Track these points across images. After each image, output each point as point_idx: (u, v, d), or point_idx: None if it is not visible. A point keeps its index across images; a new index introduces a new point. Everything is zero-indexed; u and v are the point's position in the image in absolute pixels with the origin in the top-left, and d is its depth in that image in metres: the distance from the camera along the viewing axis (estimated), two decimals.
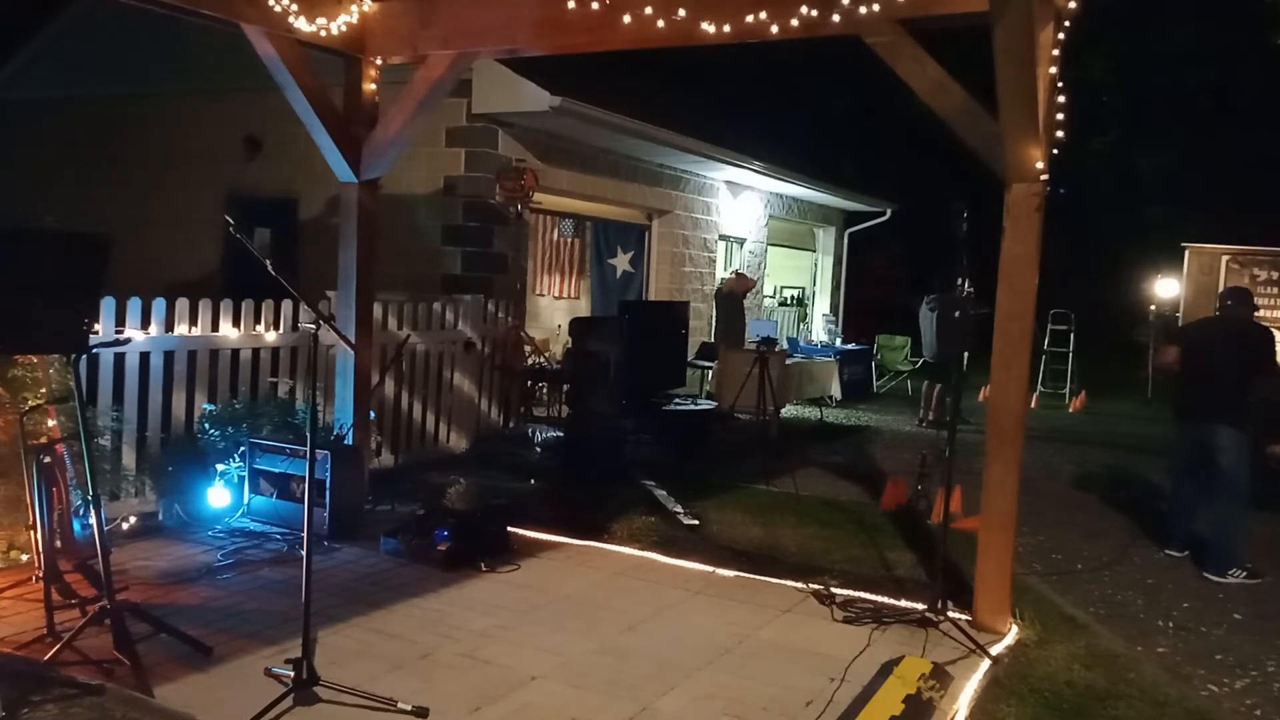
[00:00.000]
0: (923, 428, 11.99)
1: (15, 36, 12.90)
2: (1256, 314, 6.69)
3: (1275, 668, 4.92)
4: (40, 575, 4.42)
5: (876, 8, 4.73)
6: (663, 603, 5.16)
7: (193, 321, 6.35)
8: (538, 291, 11.45)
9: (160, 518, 6.08)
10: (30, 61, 12.88)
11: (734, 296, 12.08)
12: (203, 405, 6.44)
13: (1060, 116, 4.81)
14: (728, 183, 14.36)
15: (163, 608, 4.57)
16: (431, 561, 5.51)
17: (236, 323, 6.63)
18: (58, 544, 4.49)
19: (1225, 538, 6.29)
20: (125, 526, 5.85)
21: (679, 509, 6.97)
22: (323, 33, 5.86)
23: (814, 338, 16.76)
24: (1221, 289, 6.72)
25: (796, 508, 7.34)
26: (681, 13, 5.18)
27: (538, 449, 8.51)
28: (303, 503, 3.87)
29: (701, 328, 14.07)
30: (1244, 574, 6.22)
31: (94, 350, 5.36)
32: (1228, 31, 21.26)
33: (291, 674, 3.75)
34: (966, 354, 5.46)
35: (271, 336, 6.85)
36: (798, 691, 4.12)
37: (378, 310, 7.28)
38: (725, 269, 15.39)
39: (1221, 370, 6.33)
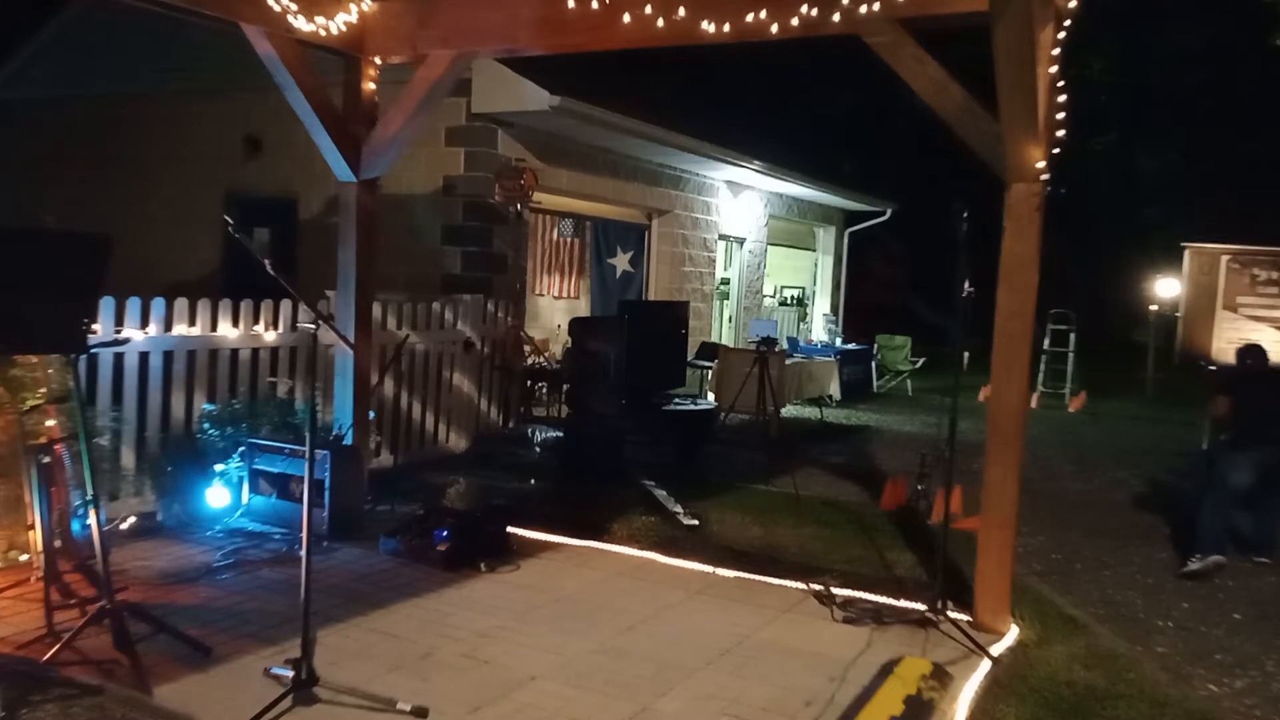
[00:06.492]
0: None
1: (15, 36, 12.90)
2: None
3: (1275, 668, 4.91)
4: (40, 575, 4.42)
5: (876, 7, 4.73)
6: (662, 603, 5.16)
7: (192, 321, 6.34)
8: (538, 291, 11.44)
9: (160, 518, 6.08)
10: (30, 61, 12.87)
11: None
12: (202, 405, 6.43)
13: (1060, 116, 4.81)
14: (728, 182, 14.36)
15: (162, 608, 4.56)
16: (431, 561, 5.50)
17: (236, 323, 6.62)
18: (57, 544, 4.49)
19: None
20: (125, 526, 5.85)
21: (679, 509, 6.97)
22: (322, 32, 5.86)
23: (814, 337, 16.75)
24: (1240, 347, 7.64)
25: (796, 508, 7.34)
26: (681, 12, 5.18)
27: (538, 449, 8.50)
28: (302, 503, 3.87)
29: (702, 327, 14.07)
30: None
31: (93, 350, 5.35)
32: (1228, 31, 21.27)
33: (291, 674, 3.75)
34: (966, 354, 5.45)
35: (271, 336, 6.85)
36: (797, 692, 4.12)
37: (377, 310, 7.27)
38: (725, 268, 15.41)
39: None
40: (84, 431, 4.09)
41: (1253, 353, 7.49)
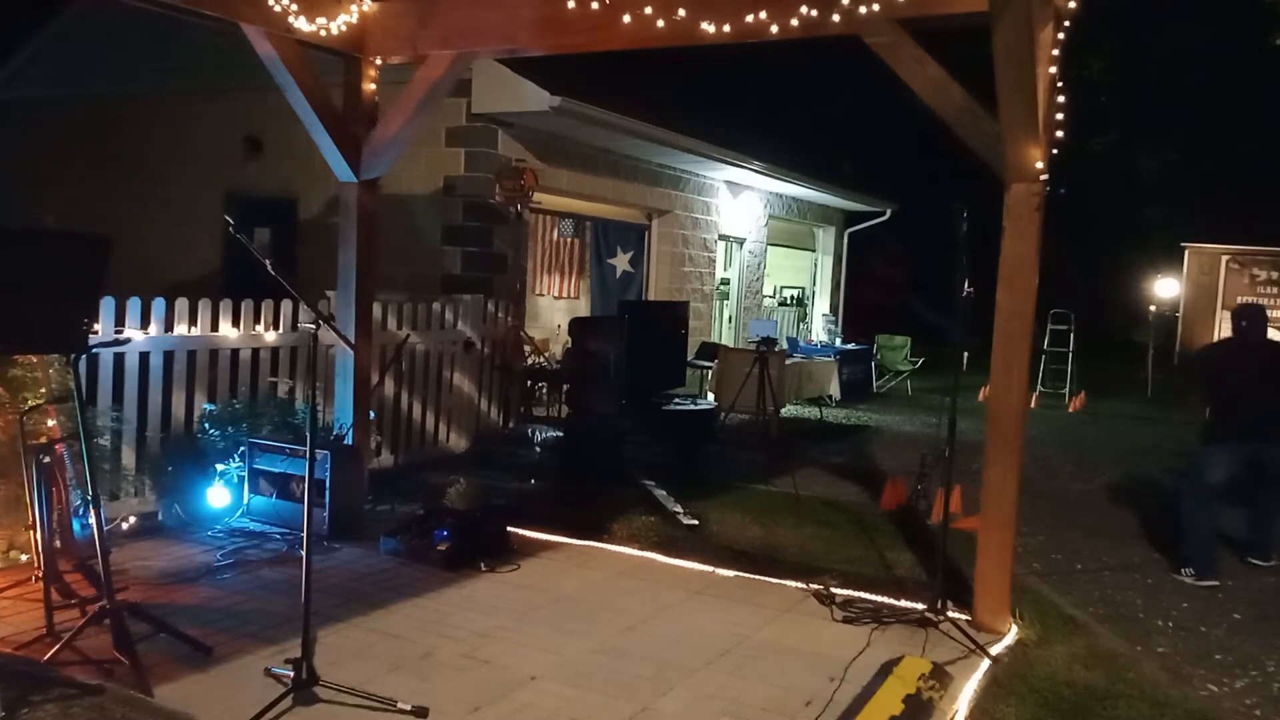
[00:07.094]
0: None
1: (15, 36, 12.90)
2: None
3: (1275, 668, 4.92)
4: (40, 575, 4.42)
5: (876, 8, 4.73)
6: (662, 603, 5.16)
7: (192, 321, 6.34)
8: (538, 291, 11.45)
9: (160, 518, 6.08)
10: (30, 61, 12.87)
11: None
12: (203, 405, 6.44)
13: (1060, 116, 4.80)
14: (727, 183, 14.36)
15: (162, 608, 4.57)
16: (431, 561, 5.51)
17: (236, 323, 6.62)
18: (57, 544, 4.49)
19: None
20: (125, 526, 5.85)
21: (678, 509, 6.97)
22: (322, 32, 5.86)
23: (814, 337, 16.76)
24: (1235, 307, 6.76)
25: (796, 508, 7.34)
26: (681, 13, 5.18)
27: (538, 449, 8.50)
28: (302, 503, 3.88)
29: (702, 327, 14.07)
30: None
31: (93, 350, 5.35)
32: (1228, 31, 21.27)
33: (291, 674, 3.75)
34: (966, 354, 5.45)
35: (271, 336, 6.85)
36: (797, 691, 4.12)
37: (377, 310, 7.28)
38: (725, 269, 15.41)
39: (1265, 393, 6.32)
40: (84, 431, 4.09)
41: (1249, 314, 6.48)
